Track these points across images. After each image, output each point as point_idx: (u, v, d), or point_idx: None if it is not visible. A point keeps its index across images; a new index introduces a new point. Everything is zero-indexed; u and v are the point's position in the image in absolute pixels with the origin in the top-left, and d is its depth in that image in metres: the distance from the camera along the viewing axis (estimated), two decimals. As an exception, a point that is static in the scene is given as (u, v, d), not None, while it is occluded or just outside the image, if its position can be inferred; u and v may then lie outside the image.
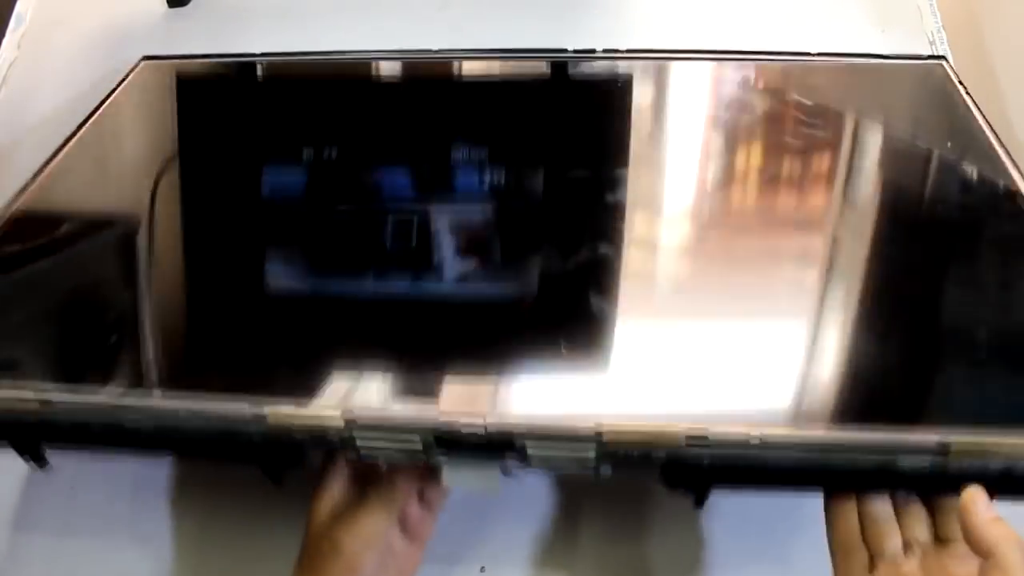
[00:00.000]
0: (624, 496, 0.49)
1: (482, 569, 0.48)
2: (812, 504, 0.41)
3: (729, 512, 0.48)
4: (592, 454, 0.37)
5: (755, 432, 0.36)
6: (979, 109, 0.56)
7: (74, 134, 0.58)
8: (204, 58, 0.68)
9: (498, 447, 0.38)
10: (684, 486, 0.39)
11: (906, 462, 0.36)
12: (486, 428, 0.37)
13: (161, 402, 0.39)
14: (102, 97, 0.62)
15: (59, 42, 0.73)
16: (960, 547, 0.37)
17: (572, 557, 0.48)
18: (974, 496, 0.35)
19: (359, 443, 0.38)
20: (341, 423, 0.38)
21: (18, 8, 0.75)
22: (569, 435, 0.37)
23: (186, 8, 0.75)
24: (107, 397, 0.39)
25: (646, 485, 0.48)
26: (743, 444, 0.36)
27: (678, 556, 0.48)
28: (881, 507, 0.39)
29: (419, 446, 0.38)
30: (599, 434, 0.36)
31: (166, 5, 0.75)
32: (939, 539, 0.38)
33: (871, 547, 0.38)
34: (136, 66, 0.66)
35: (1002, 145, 0.52)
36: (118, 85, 0.64)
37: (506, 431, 0.37)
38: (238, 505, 0.51)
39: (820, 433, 0.37)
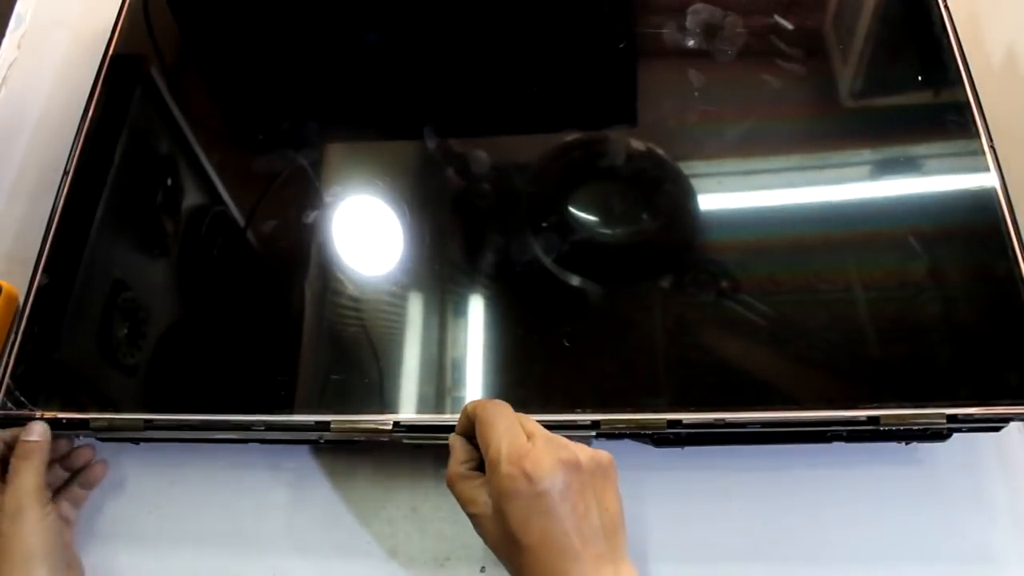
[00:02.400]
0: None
1: (482, 569, 0.50)
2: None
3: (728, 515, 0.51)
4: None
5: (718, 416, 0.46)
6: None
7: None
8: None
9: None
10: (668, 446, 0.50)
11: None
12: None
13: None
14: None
15: (59, 42, 0.74)
16: None
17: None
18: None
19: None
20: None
21: (18, 8, 0.76)
22: (568, 425, 0.47)
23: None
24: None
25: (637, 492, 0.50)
26: (709, 424, 0.46)
27: (674, 549, 0.50)
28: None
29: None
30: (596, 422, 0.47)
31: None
32: None
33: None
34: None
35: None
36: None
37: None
38: (237, 505, 0.52)
39: (768, 416, 0.46)
